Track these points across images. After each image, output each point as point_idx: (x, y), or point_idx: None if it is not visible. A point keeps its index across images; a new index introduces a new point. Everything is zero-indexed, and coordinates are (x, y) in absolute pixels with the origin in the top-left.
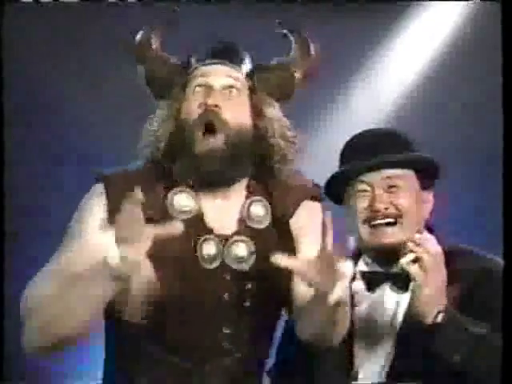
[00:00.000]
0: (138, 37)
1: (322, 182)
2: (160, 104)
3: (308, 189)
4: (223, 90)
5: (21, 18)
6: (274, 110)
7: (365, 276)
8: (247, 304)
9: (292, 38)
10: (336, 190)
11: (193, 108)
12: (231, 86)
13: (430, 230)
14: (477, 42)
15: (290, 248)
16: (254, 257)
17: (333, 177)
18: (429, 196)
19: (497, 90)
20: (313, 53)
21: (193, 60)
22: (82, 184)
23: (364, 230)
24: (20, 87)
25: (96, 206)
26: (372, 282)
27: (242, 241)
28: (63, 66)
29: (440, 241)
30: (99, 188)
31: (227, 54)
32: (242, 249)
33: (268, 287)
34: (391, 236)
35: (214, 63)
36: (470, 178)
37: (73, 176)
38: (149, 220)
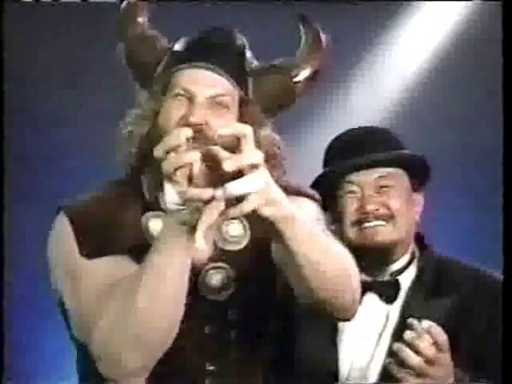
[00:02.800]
0: (122, 7)
1: None
2: (138, 101)
3: (289, 186)
4: (209, 102)
5: (21, 18)
6: (263, 131)
7: None
8: (232, 334)
9: (302, 29)
10: (321, 193)
11: (172, 118)
12: (219, 100)
13: (421, 237)
14: (477, 42)
15: (272, 269)
16: (233, 284)
17: (318, 178)
18: (419, 198)
19: (497, 90)
20: (324, 48)
21: (177, 56)
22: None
23: (353, 233)
24: (20, 87)
25: (67, 241)
26: None
27: (218, 268)
28: (63, 66)
29: (432, 250)
30: (62, 219)
31: (218, 56)
32: (218, 279)
33: (252, 311)
34: (383, 234)
35: (201, 67)
36: (469, 180)
37: (72, 178)
38: (128, 250)
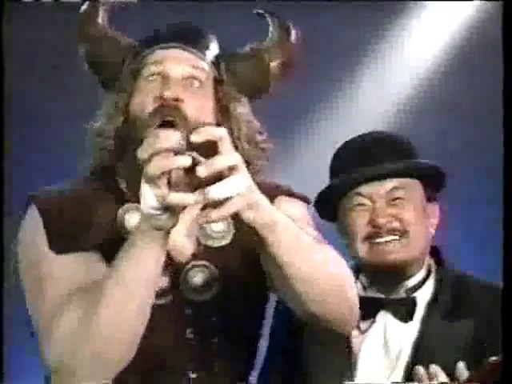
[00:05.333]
0: (81, 10)
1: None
2: (106, 96)
3: (280, 186)
4: (183, 81)
5: (21, 18)
6: (242, 108)
7: (361, 302)
8: (215, 340)
9: (270, 21)
10: (327, 205)
11: (146, 100)
12: (192, 77)
13: (437, 251)
14: (478, 42)
15: (260, 269)
16: (216, 284)
17: (326, 190)
18: (434, 209)
19: (498, 91)
20: (293, 40)
21: (145, 43)
22: None
23: (364, 249)
24: (20, 87)
25: (37, 236)
26: (369, 309)
27: (200, 266)
28: (63, 65)
29: (448, 265)
30: (31, 211)
31: (189, 37)
32: (199, 278)
33: (238, 315)
34: (396, 252)
35: (172, 47)
36: (469, 180)
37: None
38: (100, 246)
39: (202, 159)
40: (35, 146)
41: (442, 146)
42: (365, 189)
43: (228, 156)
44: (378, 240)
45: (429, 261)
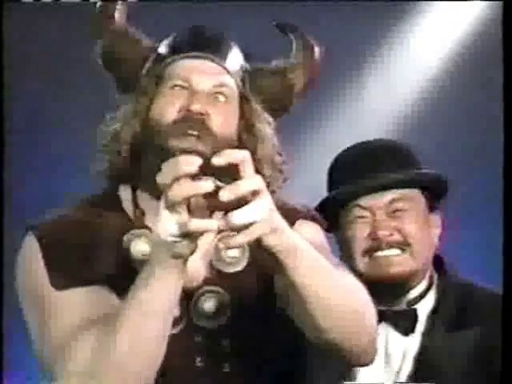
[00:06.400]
0: (98, 5)
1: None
2: (124, 99)
3: (298, 209)
4: (209, 95)
5: (21, 18)
6: (267, 128)
7: None
8: (226, 369)
9: (293, 39)
10: (327, 216)
11: (170, 109)
12: (219, 92)
13: (440, 259)
14: (477, 43)
15: (273, 295)
16: (227, 310)
17: (324, 202)
18: (437, 219)
19: (498, 91)
20: (318, 59)
21: (169, 48)
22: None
23: (364, 262)
24: (20, 87)
25: (36, 268)
26: None
27: (212, 292)
28: (63, 66)
29: (452, 275)
30: (31, 242)
31: (216, 47)
32: (211, 304)
33: (249, 341)
34: (397, 266)
35: (200, 57)
36: (468, 180)
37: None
38: (107, 277)
39: (220, 184)
40: (35, 145)
41: (443, 146)
42: (364, 201)
43: (251, 180)
44: (378, 254)
45: (431, 270)
